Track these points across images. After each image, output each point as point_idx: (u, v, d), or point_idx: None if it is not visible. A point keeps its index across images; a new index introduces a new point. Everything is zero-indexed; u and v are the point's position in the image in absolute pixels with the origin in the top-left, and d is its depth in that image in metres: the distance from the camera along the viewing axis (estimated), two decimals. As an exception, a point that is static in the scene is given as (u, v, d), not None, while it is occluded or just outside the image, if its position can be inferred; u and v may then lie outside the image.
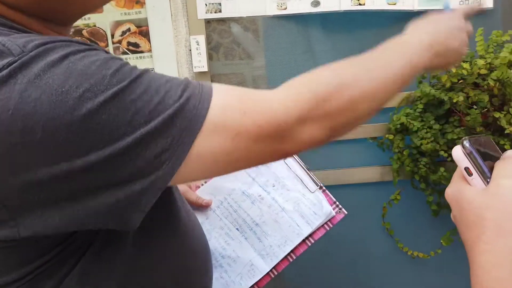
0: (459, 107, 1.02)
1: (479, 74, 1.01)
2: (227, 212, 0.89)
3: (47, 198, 0.39)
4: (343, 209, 0.85)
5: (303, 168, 0.88)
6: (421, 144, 1.07)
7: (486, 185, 0.39)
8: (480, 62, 1.01)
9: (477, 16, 1.16)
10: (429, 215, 1.20)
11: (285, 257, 0.84)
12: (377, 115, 1.33)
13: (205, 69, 1.16)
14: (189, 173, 0.43)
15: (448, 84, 1.04)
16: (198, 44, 1.16)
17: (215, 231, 0.88)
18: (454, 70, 1.03)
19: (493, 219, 0.36)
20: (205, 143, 0.42)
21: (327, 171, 1.20)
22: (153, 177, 0.40)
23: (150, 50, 1.19)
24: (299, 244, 0.84)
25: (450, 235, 1.15)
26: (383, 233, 1.26)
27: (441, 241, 1.16)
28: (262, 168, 0.88)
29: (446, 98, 1.03)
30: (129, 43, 1.20)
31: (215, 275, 0.84)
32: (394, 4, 1.10)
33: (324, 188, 0.87)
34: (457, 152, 0.41)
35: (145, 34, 1.19)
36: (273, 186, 0.88)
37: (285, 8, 1.13)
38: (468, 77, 1.01)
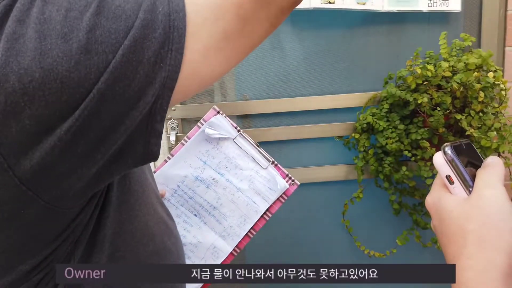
0: (423, 108, 1.04)
1: (443, 77, 1.03)
2: (182, 200, 0.89)
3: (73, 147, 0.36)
4: (296, 181, 0.87)
5: (253, 145, 0.88)
6: (386, 143, 1.08)
7: (468, 194, 0.37)
8: (444, 64, 1.03)
9: (440, 19, 1.19)
10: (389, 215, 1.23)
11: (246, 234, 0.87)
12: (344, 114, 1.33)
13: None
14: (194, 66, 0.38)
15: (413, 85, 1.06)
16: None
17: None
18: (419, 72, 1.04)
19: (475, 231, 0.34)
20: (199, 27, 0.38)
21: (293, 169, 1.19)
22: (161, 76, 0.36)
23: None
24: (258, 220, 0.86)
25: (406, 235, 1.18)
26: (344, 231, 1.27)
27: (397, 241, 1.18)
28: (212, 151, 0.89)
29: (411, 99, 1.04)
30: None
31: None
32: (364, 4, 1.10)
33: (276, 162, 0.88)
34: (438, 159, 0.39)
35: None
36: (226, 167, 0.88)
37: (255, 3, 1.11)
38: (432, 79, 1.03)
